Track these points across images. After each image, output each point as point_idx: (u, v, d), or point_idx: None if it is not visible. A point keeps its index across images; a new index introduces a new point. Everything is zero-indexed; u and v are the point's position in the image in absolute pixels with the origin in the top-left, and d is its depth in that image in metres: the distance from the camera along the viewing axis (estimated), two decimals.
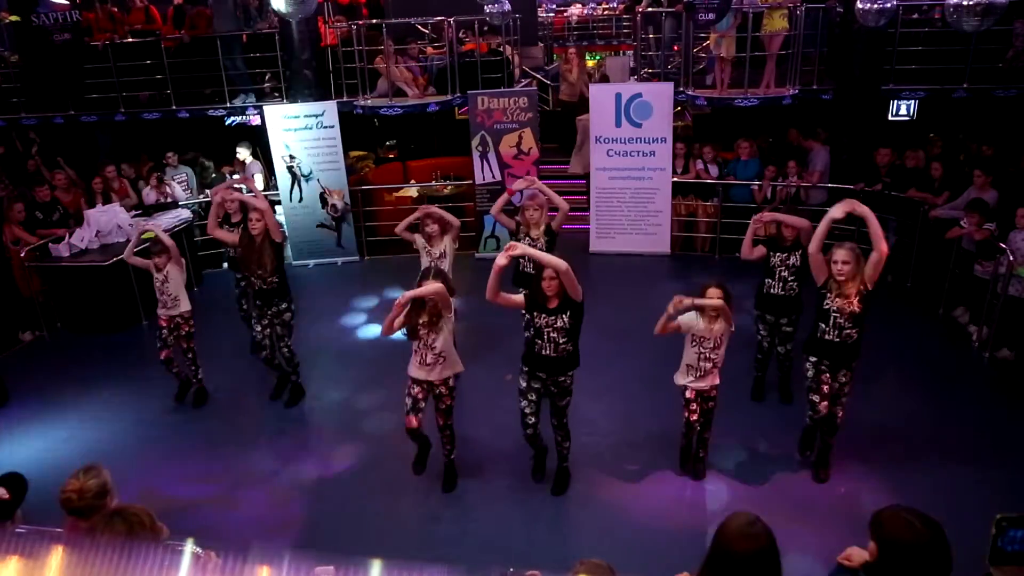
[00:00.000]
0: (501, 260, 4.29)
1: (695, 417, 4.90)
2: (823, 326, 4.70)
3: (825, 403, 4.80)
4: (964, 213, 7.14)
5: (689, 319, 4.75)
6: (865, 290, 4.55)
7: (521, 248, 4.39)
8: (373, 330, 7.78)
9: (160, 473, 5.39)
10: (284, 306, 5.97)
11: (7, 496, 3.19)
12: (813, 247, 4.67)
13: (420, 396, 4.80)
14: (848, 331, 4.63)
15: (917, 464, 5.14)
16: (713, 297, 4.64)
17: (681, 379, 4.91)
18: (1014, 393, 6.04)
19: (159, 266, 5.97)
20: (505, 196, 6.39)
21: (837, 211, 4.53)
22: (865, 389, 5.76)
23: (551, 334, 4.49)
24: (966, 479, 4.92)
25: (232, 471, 5.43)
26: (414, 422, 4.79)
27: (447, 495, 5.05)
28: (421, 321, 4.62)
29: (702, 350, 4.76)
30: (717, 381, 4.89)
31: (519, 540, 4.62)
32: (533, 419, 4.75)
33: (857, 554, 2.52)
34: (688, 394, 4.89)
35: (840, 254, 4.52)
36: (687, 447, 5.17)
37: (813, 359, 4.81)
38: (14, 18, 10.00)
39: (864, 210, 4.45)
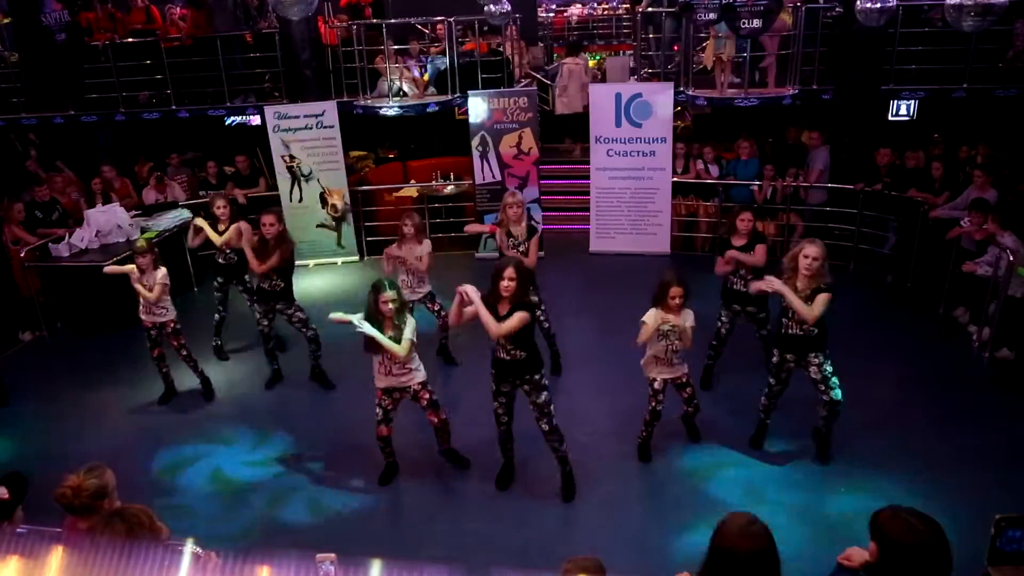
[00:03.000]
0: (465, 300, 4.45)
1: (660, 408, 5.13)
2: (785, 320, 4.87)
3: (780, 387, 5.10)
4: (964, 213, 7.15)
5: (652, 318, 4.90)
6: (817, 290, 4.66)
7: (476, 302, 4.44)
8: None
9: (160, 472, 5.40)
10: (292, 310, 6.23)
11: (7, 496, 3.19)
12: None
13: (390, 407, 4.91)
14: (807, 326, 4.75)
15: (917, 464, 5.14)
16: (675, 296, 4.82)
17: (651, 371, 5.09)
18: (1014, 393, 6.04)
19: (142, 267, 5.91)
20: (486, 230, 6.79)
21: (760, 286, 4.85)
22: (865, 389, 5.77)
23: (501, 340, 4.52)
24: (966, 479, 4.91)
25: (230, 470, 5.44)
26: (384, 431, 4.95)
27: (445, 496, 5.05)
28: (389, 335, 4.67)
29: (668, 342, 4.94)
30: (686, 368, 5.13)
31: (518, 539, 4.61)
32: (506, 418, 4.84)
33: (857, 554, 2.52)
34: (656, 385, 5.08)
35: (811, 250, 4.67)
36: (646, 441, 5.33)
37: (777, 351, 5.01)
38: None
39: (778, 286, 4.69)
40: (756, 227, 5.84)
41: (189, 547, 2.28)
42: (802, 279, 4.69)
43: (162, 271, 5.96)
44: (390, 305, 4.62)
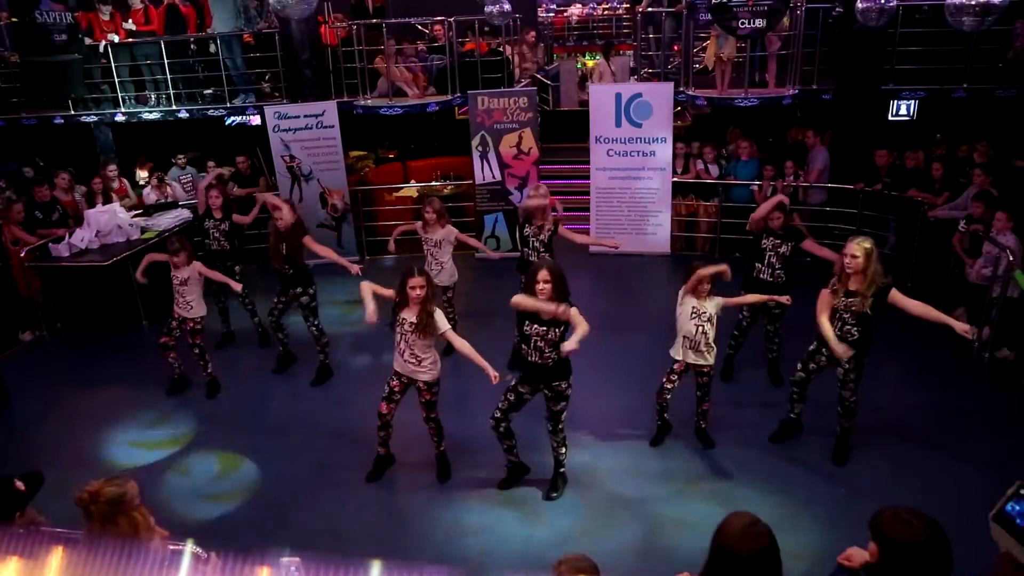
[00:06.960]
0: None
1: (669, 386, 5.17)
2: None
3: (802, 374, 5.11)
4: (964, 213, 7.13)
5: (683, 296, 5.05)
6: (868, 300, 4.68)
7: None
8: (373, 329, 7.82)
9: (160, 472, 5.40)
10: (300, 291, 6.35)
11: (23, 488, 3.17)
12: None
13: (397, 388, 4.93)
14: (849, 327, 4.73)
15: (917, 464, 5.15)
16: (703, 276, 4.95)
17: (677, 352, 5.14)
18: (1014, 393, 6.04)
19: (177, 265, 6.08)
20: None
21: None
22: (864, 389, 5.75)
23: (538, 343, 4.50)
24: (966, 479, 4.92)
25: (230, 471, 5.44)
26: (384, 408, 4.96)
27: (445, 496, 5.05)
28: (411, 321, 4.69)
29: (700, 323, 4.98)
30: (712, 361, 5.13)
31: (518, 540, 4.61)
32: (499, 414, 4.74)
33: (857, 554, 2.52)
34: (677, 366, 5.13)
35: (850, 247, 4.66)
36: (664, 424, 5.40)
37: (816, 343, 5.00)
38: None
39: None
40: (790, 221, 5.89)
41: (189, 547, 2.28)
42: (854, 279, 4.66)
43: (196, 265, 6.16)
44: (418, 291, 4.64)
